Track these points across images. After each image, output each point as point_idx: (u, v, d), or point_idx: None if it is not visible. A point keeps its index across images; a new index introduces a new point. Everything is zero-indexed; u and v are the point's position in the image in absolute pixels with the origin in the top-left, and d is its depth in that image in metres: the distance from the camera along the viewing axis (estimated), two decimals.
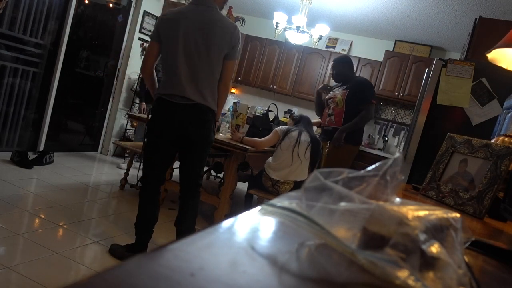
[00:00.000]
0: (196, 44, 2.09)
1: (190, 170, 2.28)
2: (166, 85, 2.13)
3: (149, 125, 2.21)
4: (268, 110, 3.81)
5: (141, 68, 2.33)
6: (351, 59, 3.66)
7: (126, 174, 3.72)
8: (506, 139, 1.31)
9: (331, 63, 3.69)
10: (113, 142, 5.12)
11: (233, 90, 6.70)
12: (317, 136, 3.35)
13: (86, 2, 4.58)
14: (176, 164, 3.62)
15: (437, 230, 0.37)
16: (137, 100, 5.17)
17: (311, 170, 3.17)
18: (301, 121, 3.26)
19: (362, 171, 0.43)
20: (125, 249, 2.36)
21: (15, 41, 3.88)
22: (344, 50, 5.98)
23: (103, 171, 4.38)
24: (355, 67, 4.35)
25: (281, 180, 3.12)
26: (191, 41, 2.08)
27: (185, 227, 2.32)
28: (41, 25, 4.05)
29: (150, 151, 2.23)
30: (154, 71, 2.29)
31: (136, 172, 4.08)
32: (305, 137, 3.10)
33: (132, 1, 5.03)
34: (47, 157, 3.95)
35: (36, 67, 4.16)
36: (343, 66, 3.51)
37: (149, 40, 2.33)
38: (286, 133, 3.12)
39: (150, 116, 2.24)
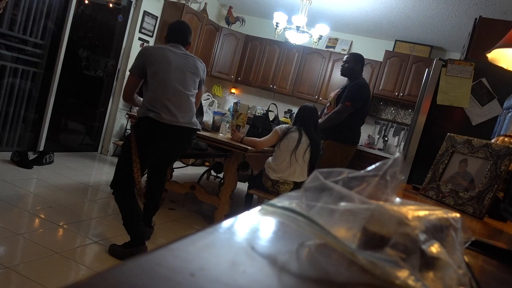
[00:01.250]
0: (183, 74, 2.37)
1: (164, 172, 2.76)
2: (159, 110, 2.29)
3: (140, 139, 2.34)
4: (268, 110, 3.81)
5: (123, 98, 2.61)
6: (364, 60, 3.60)
7: None
8: (506, 139, 1.31)
9: (346, 56, 3.60)
10: (113, 142, 5.12)
11: (233, 90, 6.70)
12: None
13: (86, 2, 4.58)
14: (176, 164, 3.63)
15: (437, 230, 0.37)
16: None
17: (312, 169, 3.16)
18: (300, 119, 3.20)
19: (362, 171, 0.43)
20: (124, 246, 2.36)
21: (15, 41, 3.88)
22: (344, 50, 5.98)
23: (103, 171, 4.38)
24: None
25: (281, 180, 3.12)
26: (180, 72, 2.35)
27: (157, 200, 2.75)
28: (41, 25, 4.05)
29: (134, 158, 2.37)
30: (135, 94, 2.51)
31: None
32: (304, 139, 3.08)
33: (132, 1, 5.03)
34: (47, 157, 3.95)
35: (36, 67, 4.16)
36: (356, 63, 3.46)
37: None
38: (285, 133, 3.09)
39: (138, 130, 2.37)
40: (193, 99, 2.44)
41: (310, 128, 3.13)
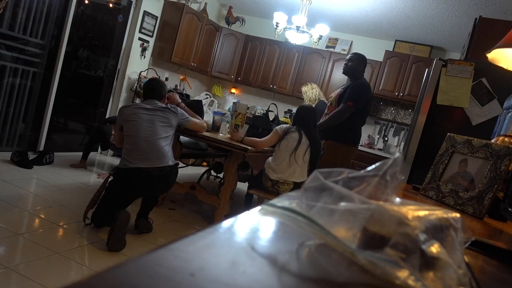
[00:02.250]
0: (153, 125, 2.73)
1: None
2: (133, 159, 2.69)
3: (119, 187, 2.70)
4: (268, 110, 3.81)
5: (116, 144, 3.06)
6: (366, 61, 3.58)
7: None
8: (506, 139, 1.31)
9: (349, 55, 3.57)
10: (113, 142, 5.12)
11: (233, 90, 6.70)
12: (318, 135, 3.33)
13: (86, 2, 4.58)
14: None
15: (437, 230, 0.37)
16: (137, 100, 5.17)
17: (312, 169, 3.16)
18: (300, 120, 3.21)
19: (362, 171, 0.43)
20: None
21: (15, 41, 3.88)
22: (344, 50, 5.98)
23: (103, 171, 4.37)
24: None
25: (281, 180, 3.12)
26: (150, 123, 2.72)
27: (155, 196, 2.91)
28: (41, 25, 4.05)
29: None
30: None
31: None
32: (304, 139, 3.08)
33: (132, 1, 5.03)
34: (47, 157, 3.95)
35: (36, 67, 4.16)
36: (358, 63, 3.44)
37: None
38: (286, 132, 3.09)
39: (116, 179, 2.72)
40: (165, 143, 2.77)
41: (309, 128, 3.13)
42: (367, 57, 4.03)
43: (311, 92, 4.76)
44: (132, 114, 2.73)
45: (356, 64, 3.43)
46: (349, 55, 3.54)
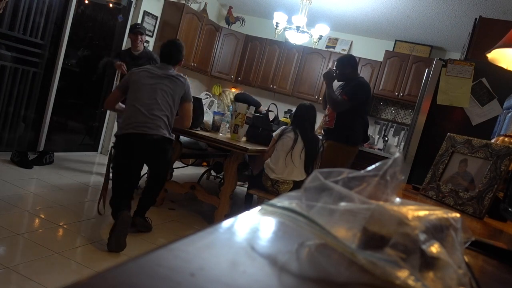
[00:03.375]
0: (155, 93, 2.65)
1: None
2: (130, 126, 2.65)
3: (119, 155, 2.74)
4: (268, 110, 3.81)
5: (104, 105, 3.14)
6: (355, 59, 3.53)
7: None
8: (506, 139, 1.31)
9: (334, 62, 3.58)
10: (113, 142, 5.12)
11: (233, 90, 6.70)
12: (315, 134, 3.34)
13: (86, 2, 4.58)
14: (176, 164, 3.63)
15: (437, 230, 0.37)
16: None
17: (307, 169, 3.17)
18: (297, 118, 3.24)
19: (362, 171, 0.43)
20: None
21: (15, 41, 3.88)
22: (344, 50, 5.98)
23: (103, 171, 4.37)
24: None
25: (280, 180, 3.13)
26: (152, 91, 2.66)
27: (151, 194, 2.82)
28: (41, 25, 4.05)
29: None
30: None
31: None
32: (300, 139, 3.10)
33: (132, 1, 5.03)
34: (47, 157, 3.95)
35: (36, 67, 4.16)
36: (344, 67, 3.39)
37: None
38: (281, 134, 3.16)
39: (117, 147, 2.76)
40: (164, 113, 2.66)
41: (305, 128, 3.17)
42: (367, 57, 4.04)
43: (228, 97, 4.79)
44: (140, 77, 2.67)
45: (341, 69, 3.40)
46: (335, 63, 3.54)
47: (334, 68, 3.48)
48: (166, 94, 2.68)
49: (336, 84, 3.48)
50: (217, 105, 4.35)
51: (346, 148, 3.37)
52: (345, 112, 3.29)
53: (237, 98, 3.96)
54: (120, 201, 2.62)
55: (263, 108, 4.09)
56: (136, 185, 2.92)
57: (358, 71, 3.62)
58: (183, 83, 2.77)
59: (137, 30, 3.93)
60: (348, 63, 3.42)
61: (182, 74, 2.82)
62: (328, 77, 3.40)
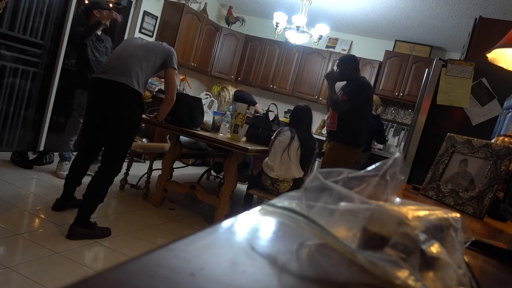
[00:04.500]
0: (135, 48, 2.64)
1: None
2: (100, 70, 2.61)
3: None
4: (268, 110, 3.81)
5: None
6: (356, 59, 3.51)
7: (126, 174, 3.72)
8: (506, 139, 1.31)
9: (335, 62, 3.56)
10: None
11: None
12: (312, 134, 3.35)
13: (86, 2, 4.58)
14: (176, 164, 3.64)
15: (437, 230, 0.37)
16: None
17: (303, 166, 3.18)
18: (293, 119, 3.26)
19: (362, 171, 0.43)
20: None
21: (15, 41, 3.88)
22: (344, 50, 5.98)
23: None
24: None
25: (280, 178, 3.13)
26: (133, 47, 2.66)
27: (86, 196, 2.50)
28: (41, 25, 4.05)
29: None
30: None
31: (136, 172, 4.08)
32: (296, 138, 3.12)
33: (132, 1, 5.03)
34: (47, 157, 3.94)
35: (36, 67, 4.15)
36: (345, 67, 3.38)
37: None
38: (277, 134, 3.19)
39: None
40: (139, 65, 2.53)
41: (302, 128, 3.19)
42: (367, 57, 4.03)
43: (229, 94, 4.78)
44: (129, 39, 2.82)
45: (343, 69, 3.38)
46: (336, 62, 3.52)
47: (336, 67, 3.47)
48: (146, 50, 2.61)
49: (339, 85, 3.47)
50: (217, 105, 4.35)
51: (348, 149, 3.35)
52: (346, 113, 3.28)
53: (236, 96, 4.02)
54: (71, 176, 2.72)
55: (259, 107, 4.15)
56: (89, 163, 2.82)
57: (360, 72, 3.61)
58: (168, 49, 2.72)
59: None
60: (348, 63, 3.40)
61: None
62: (330, 78, 3.40)
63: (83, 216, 2.45)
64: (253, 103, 3.99)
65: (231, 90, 4.71)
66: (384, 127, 5.27)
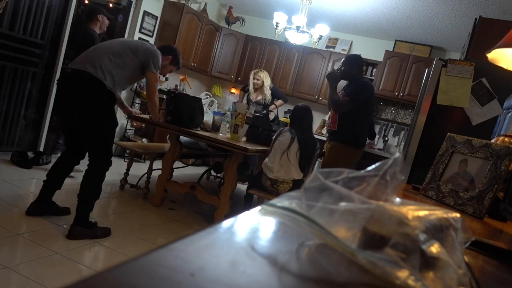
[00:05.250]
0: (112, 44, 2.62)
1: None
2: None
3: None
4: (268, 110, 3.81)
5: None
6: (362, 60, 3.50)
7: (126, 174, 3.72)
8: (506, 139, 1.31)
9: (335, 62, 3.55)
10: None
11: (233, 90, 6.70)
12: (313, 135, 3.35)
13: (86, 2, 4.58)
14: (176, 164, 3.64)
15: (437, 230, 0.37)
16: (138, 100, 5.18)
17: (303, 169, 3.17)
18: (293, 120, 3.26)
19: (362, 171, 0.43)
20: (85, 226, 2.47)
21: (15, 41, 3.88)
22: (344, 50, 5.98)
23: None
24: None
25: (280, 179, 3.13)
26: (111, 44, 2.64)
27: (80, 196, 2.49)
28: (41, 25, 4.05)
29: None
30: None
31: (136, 172, 4.08)
32: (295, 142, 3.11)
33: (132, 1, 5.03)
34: (44, 158, 3.93)
35: (36, 67, 4.16)
36: (351, 65, 3.36)
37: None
38: (278, 134, 3.18)
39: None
40: (113, 62, 2.46)
41: (302, 128, 3.19)
42: (367, 57, 4.02)
43: (267, 79, 4.83)
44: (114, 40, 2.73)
45: (348, 68, 3.36)
46: (342, 60, 3.51)
47: (341, 64, 3.45)
48: (124, 48, 2.54)
49: (340, 85, 3.46)
50: (216, 105, 4.34)
51: (349, 149, 3.34)
52: (347, 114, 3.27)
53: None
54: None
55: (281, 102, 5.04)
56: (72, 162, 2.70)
57: (363, 73, 3.59)
58: (149, 50, 2.63)
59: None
60: (354, 62, 3.39)
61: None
62: (331, 77, 3.40)
63: (82, 216, 2.45)
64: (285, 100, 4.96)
65: (264, 77, 4.77)
66: (374, 123, 5.28)
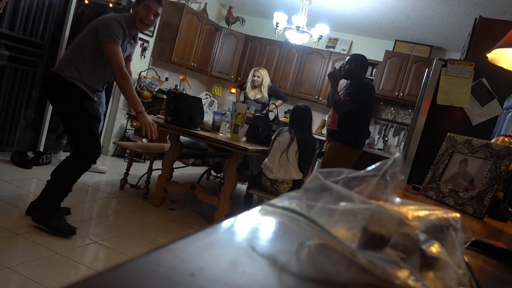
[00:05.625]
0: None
1: None
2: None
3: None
4: (268, 110, 3.81)
5: None
6: (367, 61, 3.49)
7: (126, 174, 3.72)
8: (506, 139, 1.31)
9: (335, 62, 3.54)
10: (113, 142, 5.12)
11: (233, 90, 6.70)
12: (312, 135, 3.34)
13: (86, 2, 4.58)
14: (176, 164, 3.63)
15: (437, 230, 0.37)
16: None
17: (302, 169, 3.17)
18: (292, 120, 3.26)
19: (362, 171, 0.43)
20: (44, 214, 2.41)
21: (15, 41, 3.88)
22: (344, 50, 5.98)
23: (103, 171, 4.37)
24: None
25: (279, 179, 3.13)
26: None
27: (51, 180, 2.45)
28: (41, 25, 4.05)
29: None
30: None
31: (136, 172, 4.08)
32: (294, 142, 3.11)
33: (132, 1, 5.03)
34: (44, 158, 3.93)
35: (36, 67, 4.16)
36: (355, 65, 3.36)
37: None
38: (277, 134, 3.18)
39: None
40: (73, 51, 2.39)
41: (302, 128, 3.19)
42: (367, 57, 3.96)
43: (266, 78, 4.86)
44: None
45: (352, 66, 3.36)
46: (347, 58, 3.49)
47: (344, 62, 3.44)
48: (84, 32, 2.44)
49: (341, 85, 3.46)
50: (216, 105, 4.34)
51: (348, 149, 3.35)
52: (347, 113, 3.27)
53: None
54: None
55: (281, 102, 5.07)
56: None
57: (366, 74, 3.59)
58: (98, 19, 2.43)
59: None
60: (360, 62, 3.38)
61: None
62: (333, 77, 3.39)
63: (43, 201, 2.42)
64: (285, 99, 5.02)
65: (265, 75, 4.79)
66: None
